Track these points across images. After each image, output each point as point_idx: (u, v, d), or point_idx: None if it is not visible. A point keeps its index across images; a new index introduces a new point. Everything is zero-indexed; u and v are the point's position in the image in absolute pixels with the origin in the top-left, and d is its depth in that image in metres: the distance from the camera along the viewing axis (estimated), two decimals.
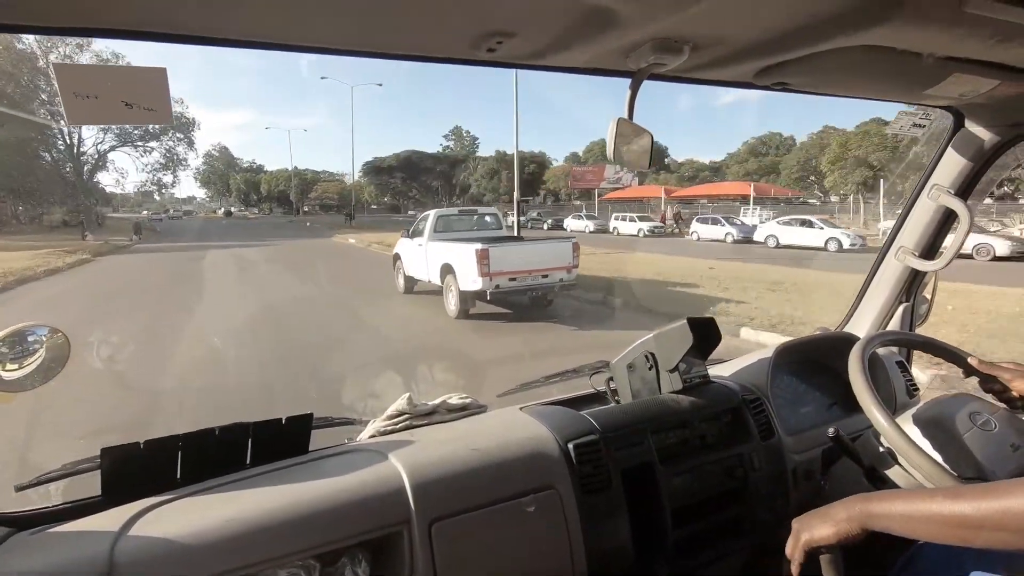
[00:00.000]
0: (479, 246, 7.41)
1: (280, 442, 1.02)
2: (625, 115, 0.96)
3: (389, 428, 1.13)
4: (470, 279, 7.40)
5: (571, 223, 31.51)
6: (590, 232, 28.78)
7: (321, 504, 0.87)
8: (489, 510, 0.95)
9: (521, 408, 1.22)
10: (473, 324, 7.60)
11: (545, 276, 7.73)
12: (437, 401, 1.19)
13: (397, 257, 10.01)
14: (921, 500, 0.72)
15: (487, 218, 10.02)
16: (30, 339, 0.90)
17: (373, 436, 1.14)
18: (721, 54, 0.95)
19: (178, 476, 0.93)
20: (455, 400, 1.20)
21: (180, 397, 4.41)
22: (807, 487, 1.29)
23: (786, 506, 1.27)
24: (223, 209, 74.93)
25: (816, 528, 0.85)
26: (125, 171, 65.97)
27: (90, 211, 32.89)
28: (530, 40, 0.86)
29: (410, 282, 9.59)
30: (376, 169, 57.20)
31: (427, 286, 8.97)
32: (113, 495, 0.88)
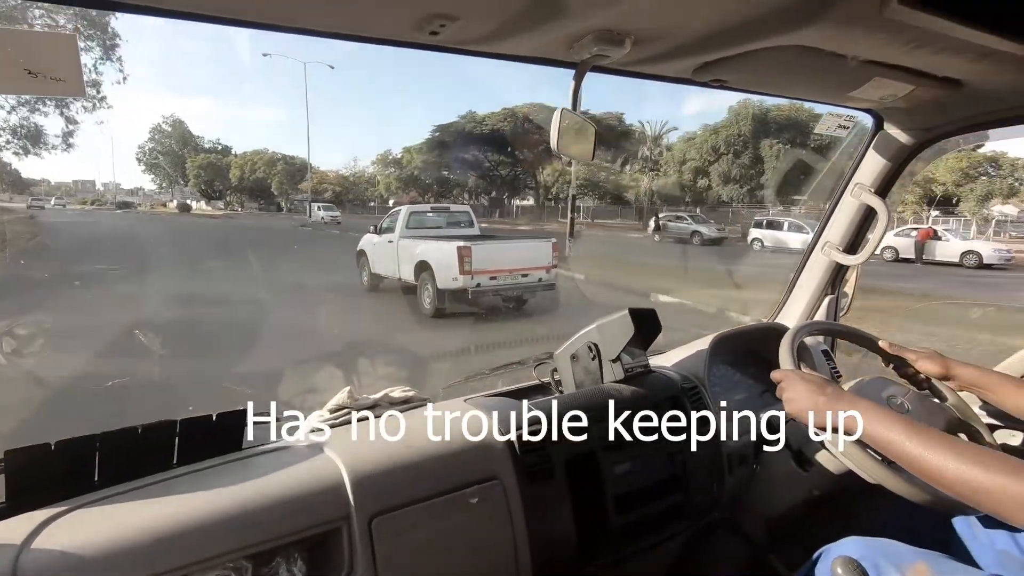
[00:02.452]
0: (461, 243, 7.35)
1: (211, 439, 0.97)
2: (569, 106, 0.97)
3: (329, 422, 1.09)
4: (450, 276, 7.30)
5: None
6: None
7: (253, 502, 0.83)
8: (432, 503, 0.93)
9: (465, 400, 1.22)
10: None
11: (525, 275, 7.70)
12: (379, 394, 1.17)
13: (362, 253, 9.74)
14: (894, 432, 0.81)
15: (459, 216, 9.97)
16: None
17: (312, 431, 1.10)
18: (662, 49, 0.97)
19: (95, 479, 0.87)
20: (398, 393, 1.18)
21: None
22: (741, 472, 1.35)
23: (721, 490, 1.32)
24: (175, 202, 58.52)
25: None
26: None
27: None
28: (473, 24, 0.85)
29: (376, 279, 9.38)
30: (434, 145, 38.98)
31: (395, 283, 8.80)
32: (19, 501, 0.81)
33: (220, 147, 55.27)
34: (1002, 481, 0.69)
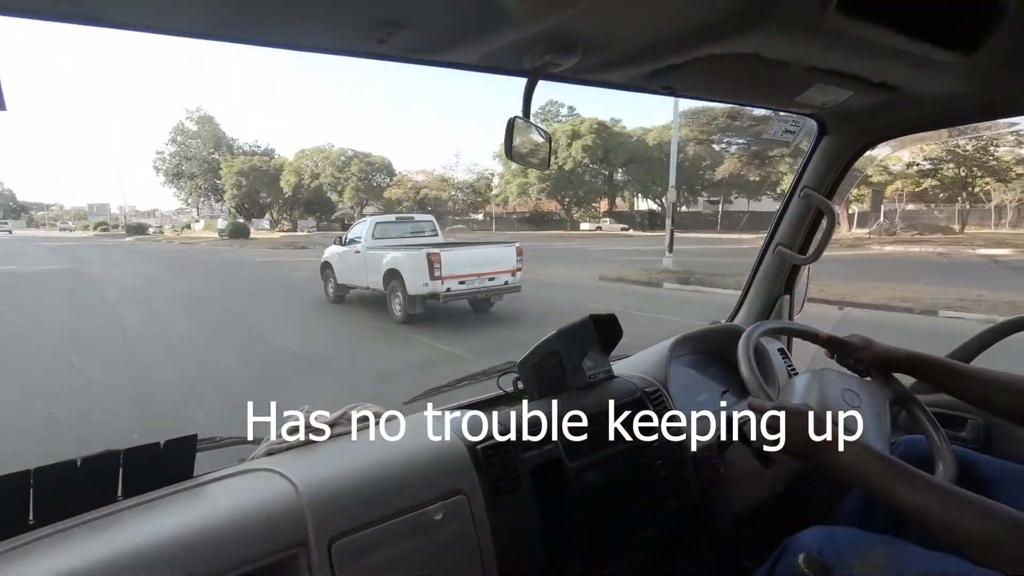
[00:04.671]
0: (431, 250, 7.69)
1: (159, 468, 0.92)
2: (520, 114, 0.97)
3: (285, 444, 1.05)
4: (420, 282, 7.58)
5: None
6: None
7: (204, 532, 0.79)
8: (395, 522, 0.91)
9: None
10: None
11: (492, 279, 8.07)
12: (338, 412, 1.13)
13: (327, 266, 9.94)
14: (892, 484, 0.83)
15: (423, 225, 10.27)
16: None
17: (268, 454, 1.06)
18: (612, 56, 0.98)
19: (31, 518, 0.81)
20: (358, 411, 1.14)
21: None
22: (706, 471, 1.36)
23: (689, 492, 1.33)
24: (201, 222, 43.74)
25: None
26: None
27: None
28: (420, 33, 0.84)
29: (341, 290, 9.63)
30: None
31: (363, 293, 9.08)
32: None
33: (260, 149, 41.86)
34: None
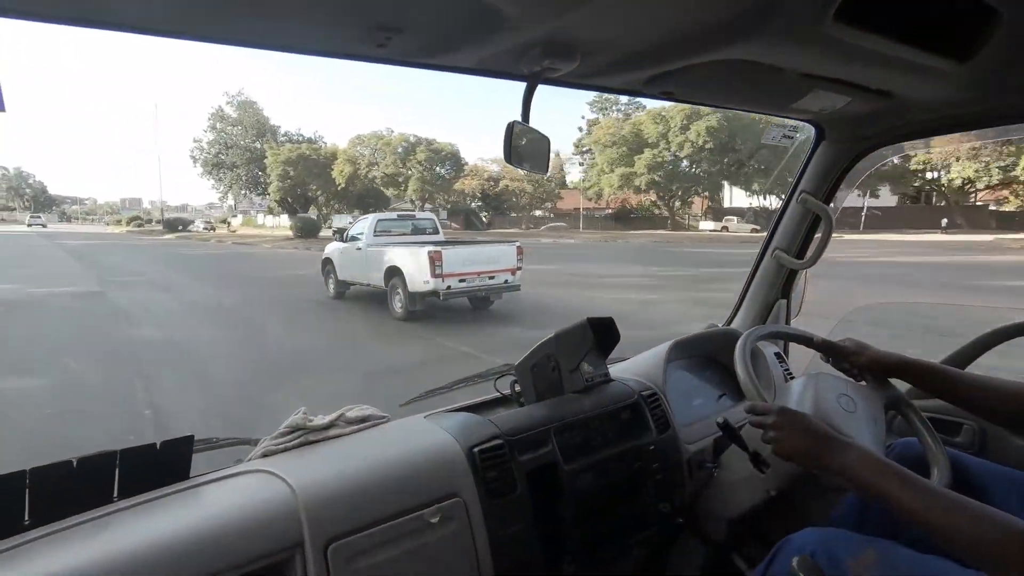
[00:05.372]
0: (432, 248, 7.80)
1: (155, 469, 0.92)
2: (520, 119, 0.97)
3: (282, 446, 1.05)
4: (421, 280, 7.70)
5: None
6: None
7: (200, 533, 0.79)
8: (391, 524, 0.91)
9: (425, 416, 1.19)
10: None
11: (492, 277, 8.17)
12: (335, 414, 1.13)
13: (328, 262, 10.05)
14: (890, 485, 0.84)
15: (424, 223, 10.37)
16: None
17: (264, 455, 1.06)
18: (611, 61, 0.98)
19: (25, 519, 0.81)
20: (354, 412, 1.14)
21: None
22: (701, 475, 1.37)
23: (684, 495, 1.34)
24: (238, 217, 38.82)
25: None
26: None
27: None
28: (419, 37, 0.84)
29: (342, 286, 9.76)
30: None
31: (364, 289, 9.19)
32: None
33: (304, 138, 36.62)
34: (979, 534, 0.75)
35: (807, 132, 1.53)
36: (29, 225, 48.06)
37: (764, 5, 0.77)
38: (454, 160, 31.68)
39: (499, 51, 0.91)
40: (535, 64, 0.93)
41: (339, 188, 31.25)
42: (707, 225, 35.08)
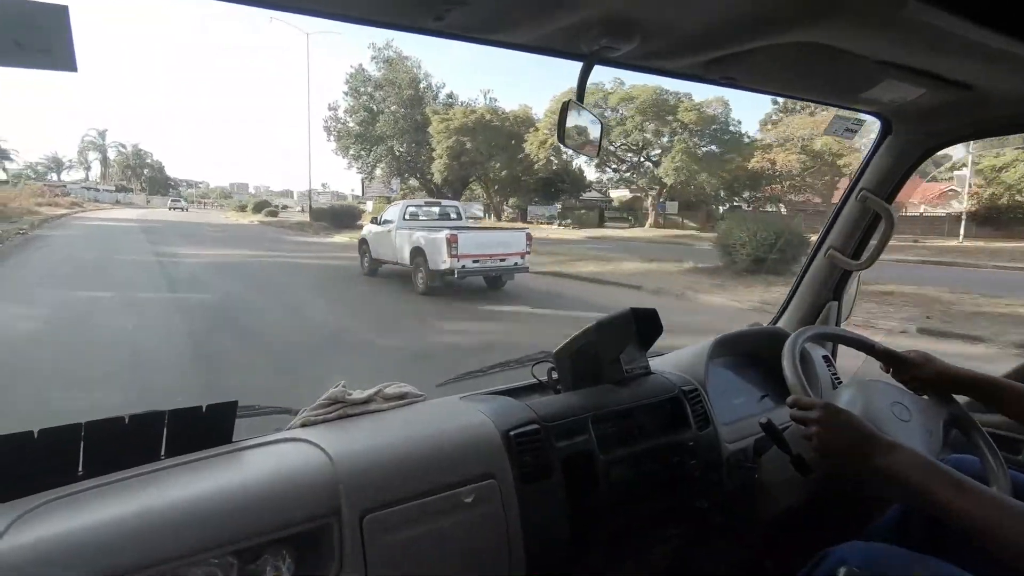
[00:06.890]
0: (448, 232, 8.75)
1: (200, 431, 0.95)
2: (575, 98, 0.95)
3: (321, 417, 1.07)
4: (440, 260, 8.67)
5: None
6: None
7: (241, 496, 0.80)
8: (426, 501, 0.91)
9: (461, 397, 1.19)
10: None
11: (502, 260, 9.09)
12: (373, 390, 1.14)
13: (364, 242, 11.32)
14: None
15: (449, 210, 11.47)
16: None
17: (304, 425, 1.08)
18: (671, 43, 0.94)
19: (80, 469, 0.85)
20: (392, 389, 1.15)
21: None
22: (739, 475, 1.33)
23: (720, 494, 1.30)
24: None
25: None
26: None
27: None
28: (476, 11, 0.83)
29: (375, 264, 10.94)
30: None
31: (393, 267, 10.38)
32: (1, 490, 0.79)
33: (453, 103, 28.20)
34: None
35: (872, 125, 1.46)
36: (171, 208, 45.62)
37: None
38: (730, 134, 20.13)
39: (557, 28, 0.88)
40: (593, 43, 0.90)
41: (536, 165, 23.20)
42: None
